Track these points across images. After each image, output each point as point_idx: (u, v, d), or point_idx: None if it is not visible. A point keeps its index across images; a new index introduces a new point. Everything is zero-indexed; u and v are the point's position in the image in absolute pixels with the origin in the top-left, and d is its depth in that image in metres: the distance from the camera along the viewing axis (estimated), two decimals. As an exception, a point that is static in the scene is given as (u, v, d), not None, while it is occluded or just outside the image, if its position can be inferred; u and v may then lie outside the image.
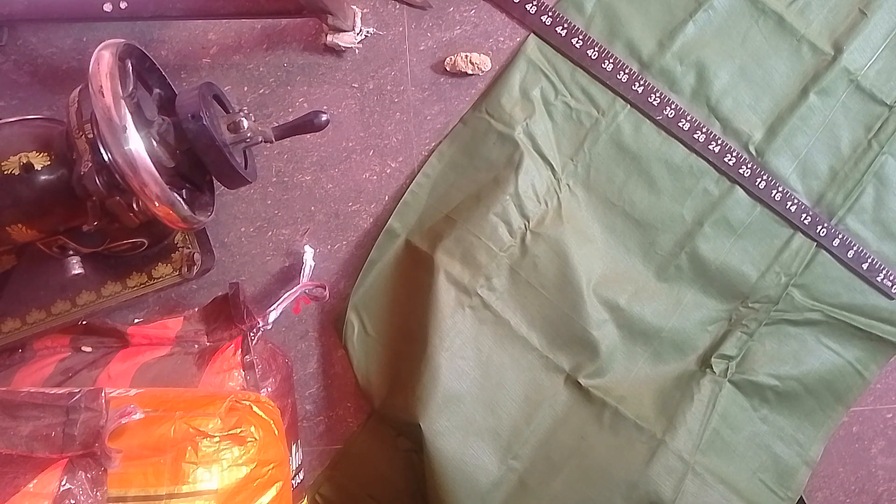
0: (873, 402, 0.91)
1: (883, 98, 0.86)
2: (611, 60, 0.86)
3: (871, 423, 0.91)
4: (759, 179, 0.85)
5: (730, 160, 0.85)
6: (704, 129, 0.85)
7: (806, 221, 0.86)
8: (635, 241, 0.88)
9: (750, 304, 0.87)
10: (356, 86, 0.89)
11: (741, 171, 0.85)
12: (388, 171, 0.90)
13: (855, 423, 0.91)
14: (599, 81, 0.86)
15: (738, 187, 0.86)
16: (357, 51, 0.89)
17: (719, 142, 0.85)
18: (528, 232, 0.85)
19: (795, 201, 0.86)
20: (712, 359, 0.86)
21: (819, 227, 0.86)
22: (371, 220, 0.90)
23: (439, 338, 0.82)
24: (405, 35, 0.89)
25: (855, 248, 0.86)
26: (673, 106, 0.85)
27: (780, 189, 0.85)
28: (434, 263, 0.84)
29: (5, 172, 0.66)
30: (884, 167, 0.86)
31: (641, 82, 0.85)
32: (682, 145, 0.86)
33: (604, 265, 0.87)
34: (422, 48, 0.89)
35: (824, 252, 0.87)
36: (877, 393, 0.91)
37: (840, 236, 0.86)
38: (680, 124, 0.85)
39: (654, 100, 0.85)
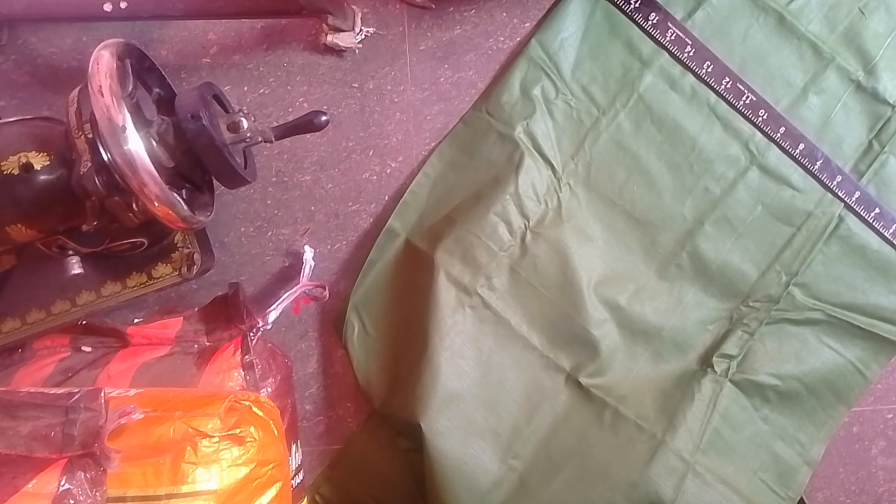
0: (874, 403, 0.91)
1: (885, 97, 0.85)
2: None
3: (872, 424, 0.91)
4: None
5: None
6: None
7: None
8: (636, 240, 0.88)
9: (751, 304, 0.87)
10: (356, 86, 0.89)
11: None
12: (388, 171, 0.90)
13: (855, 424, 0.91)
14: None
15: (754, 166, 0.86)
16: (357, 51, 0.88)
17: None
18: (528, 231, 0.85)
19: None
20: (713, 358, 0.86)
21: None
22: (371, 220, 0.90)
23: (439, 337, 0.82)
24: (405, 35, 0.89)
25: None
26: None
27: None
28: (434, 263, 0.84)
29: (4, 172, 0.66)
30: (885, 167, 0.86)
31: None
32: (689, 132, 0.86)
33: (604, 264, 0.87)
34: (422, 48, 0.89)
35: (827, 248, 0.87)
36: (877, 393, 0.91)
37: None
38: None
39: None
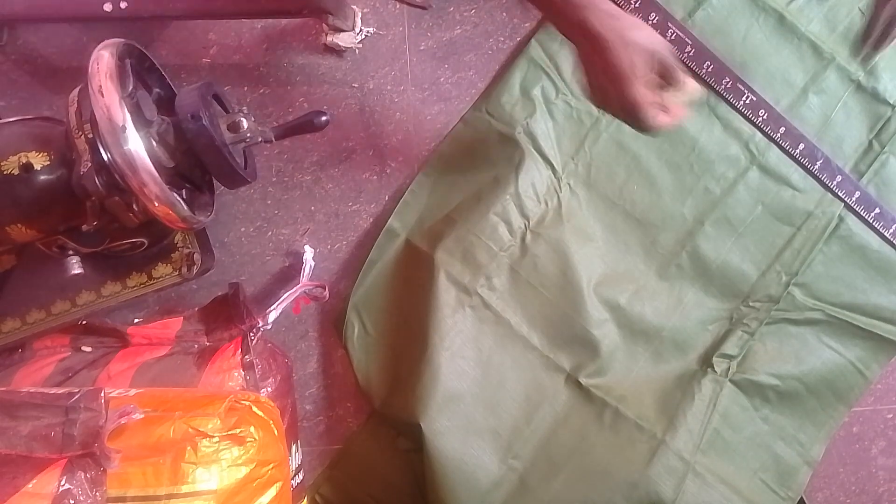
0: (874, 403, 0.91)
1: (886, 97, 0.85)
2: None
3: (872, 424, 0.91)
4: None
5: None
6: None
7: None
8: (636, 239, 0.88)
9: (751, 304, 0.87)
10: (356, 86, 0.89)
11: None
12: (388, 171, 0.90)
13: (855, 424, 0.91)
14: None
15: (753, 168, 0.86)
16: (357, 51, 0.88)
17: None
18: (528, 231, 0.85)
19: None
20: (713, 358, 0.86)
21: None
22: (371, 220, 0.90)
23: (439, 337, 0.82)
24: (405, 35, 0.89)
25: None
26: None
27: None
28: (434, 263, 0.84)
29: (5, 172, 0.66)
30: (885, 167, 0.86)
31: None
32: (689, 132, 0.86)
33: (604, 264, 0.87)
34: (422, 48, 0.89)
35: (827, 248, 0.87)
36: (877, 393, 0.91)
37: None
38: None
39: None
